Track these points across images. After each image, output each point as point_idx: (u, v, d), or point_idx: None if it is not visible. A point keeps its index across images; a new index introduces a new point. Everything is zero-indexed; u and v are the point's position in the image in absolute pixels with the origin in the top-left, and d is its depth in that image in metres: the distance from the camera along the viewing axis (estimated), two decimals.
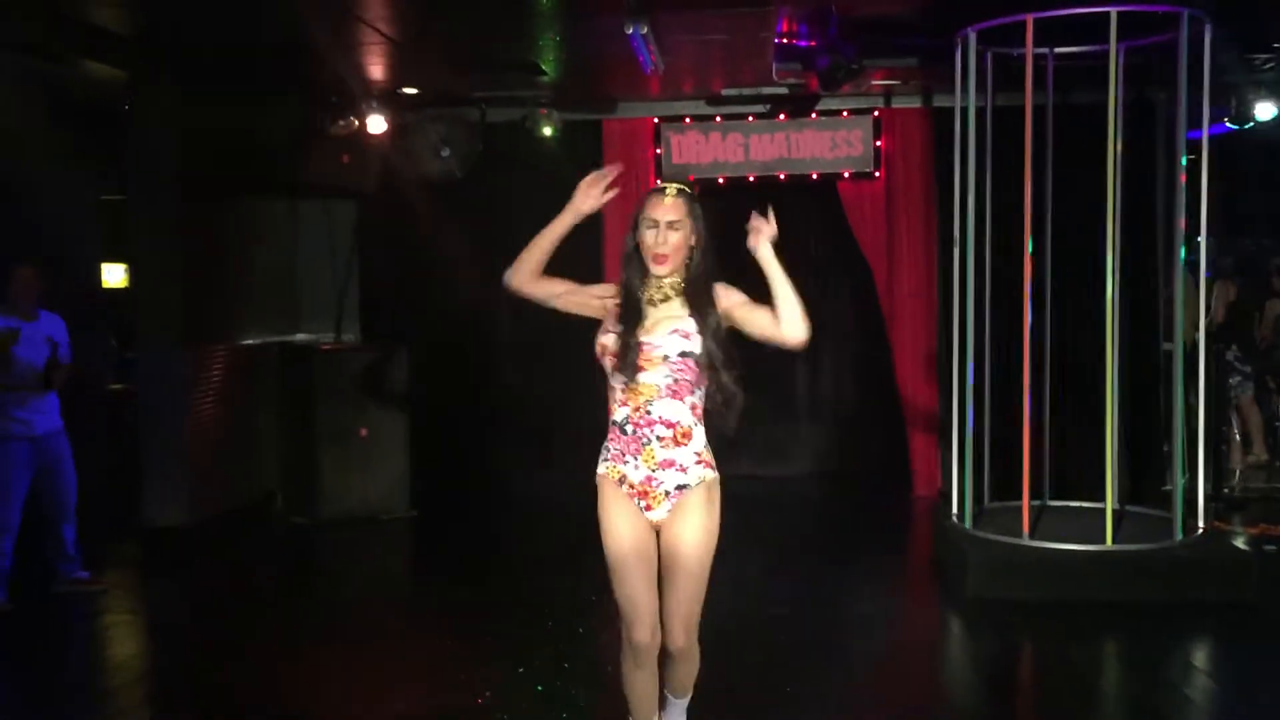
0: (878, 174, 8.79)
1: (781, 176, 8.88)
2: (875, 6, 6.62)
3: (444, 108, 8.62)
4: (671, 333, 3.48)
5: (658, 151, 8.87)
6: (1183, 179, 6.29)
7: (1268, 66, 7.82)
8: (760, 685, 4.73)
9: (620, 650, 3.60)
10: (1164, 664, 5.19)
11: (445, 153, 8.59)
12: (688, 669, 3.69)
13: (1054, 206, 7.30)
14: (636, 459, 3.51)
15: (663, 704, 3.78)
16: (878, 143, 8.76)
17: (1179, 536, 6.23)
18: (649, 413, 3.48)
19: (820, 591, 6.34)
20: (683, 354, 3.47)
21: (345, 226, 9.28)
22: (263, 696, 4.81)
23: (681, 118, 8.91)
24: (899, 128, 8.80)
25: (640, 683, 3.62)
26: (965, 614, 5.91)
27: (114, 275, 9.81)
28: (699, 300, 3.54)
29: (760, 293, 3.57)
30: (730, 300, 3.59)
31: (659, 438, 3.49)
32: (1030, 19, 6.12)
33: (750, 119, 8.86)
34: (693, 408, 3.52)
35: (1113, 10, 5.98)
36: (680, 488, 3.52)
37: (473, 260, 9.09)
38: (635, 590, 3.50)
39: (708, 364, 3.49)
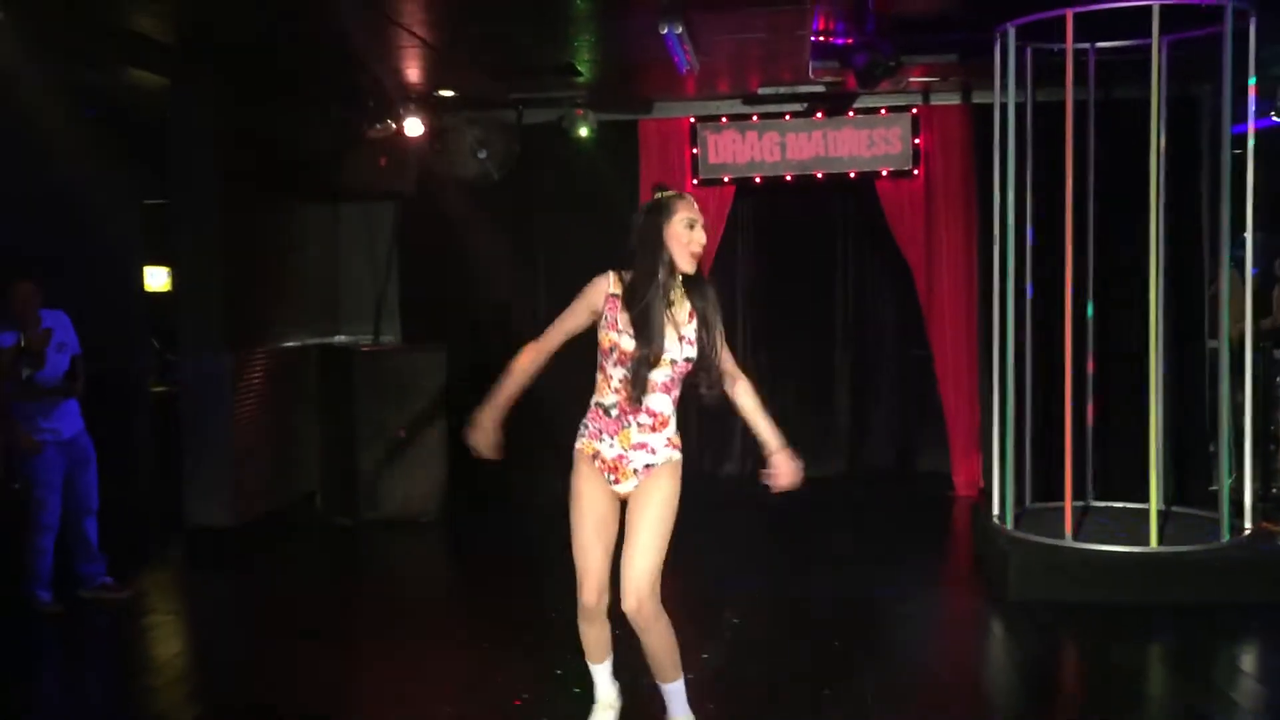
0: (916, 172, 8.72)
1: (819, 175, 8.83)
2: (913, 3, 6.56)
3: (481, 110, 8.65)
4: (680, 340, 3.77)
5: (694, 151, 8.85)
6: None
7: None
8: (800, 688, 4.70)
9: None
10: (1210, 667, 5.11)
11: (482, 154, 8.62)
12: (656, 643, 3.79)
13: (1096, 203, 7.21)
14: (613, 439, 3.80)
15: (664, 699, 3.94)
16: (916, 140, 8.69)
17: (1225, 537, 6.14)
18: (639, 403, 3.76)
19: (861, 593, 6.30)
20: (686, 359, 3.79)
21: (384, 229, 9.33)
22: (304, 696, 4.85)
23: (718, 117, 8.88)
24: (938, 125, 8.73)
25: (591, 635, 3.95)
26: (1007, 615, 5.84)
27: (157, 279, 9.94)
28: (703, 301, 3.83)
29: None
30: (717, 305, 3.86)
31: (640, 424, 3.79)
32: (1071, 14, 6.03)
33: (787, 117, 8.82)
34: (675, 400, 3.84)
35: (1155, 4, 5.89)
36: (648, 466, 3.81)
37: (511, 261, 9.15)
38: (589, 557, 3.80)
39: (702, 362, 3.80)
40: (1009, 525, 6.49)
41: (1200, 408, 8.44)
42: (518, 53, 7.32)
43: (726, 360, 3.88)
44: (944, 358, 8.75)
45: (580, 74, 7.83)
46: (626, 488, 3.83)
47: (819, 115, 8.77)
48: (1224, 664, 5.19)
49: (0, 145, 7.18)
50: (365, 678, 5.11)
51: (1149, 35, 5.97)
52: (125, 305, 8.65)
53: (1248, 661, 5.30)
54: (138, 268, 9.03)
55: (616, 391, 3.76)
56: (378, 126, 7.89)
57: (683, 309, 3.80)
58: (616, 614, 3.82)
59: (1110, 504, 7.14)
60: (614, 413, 3.78)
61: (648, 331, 3.68)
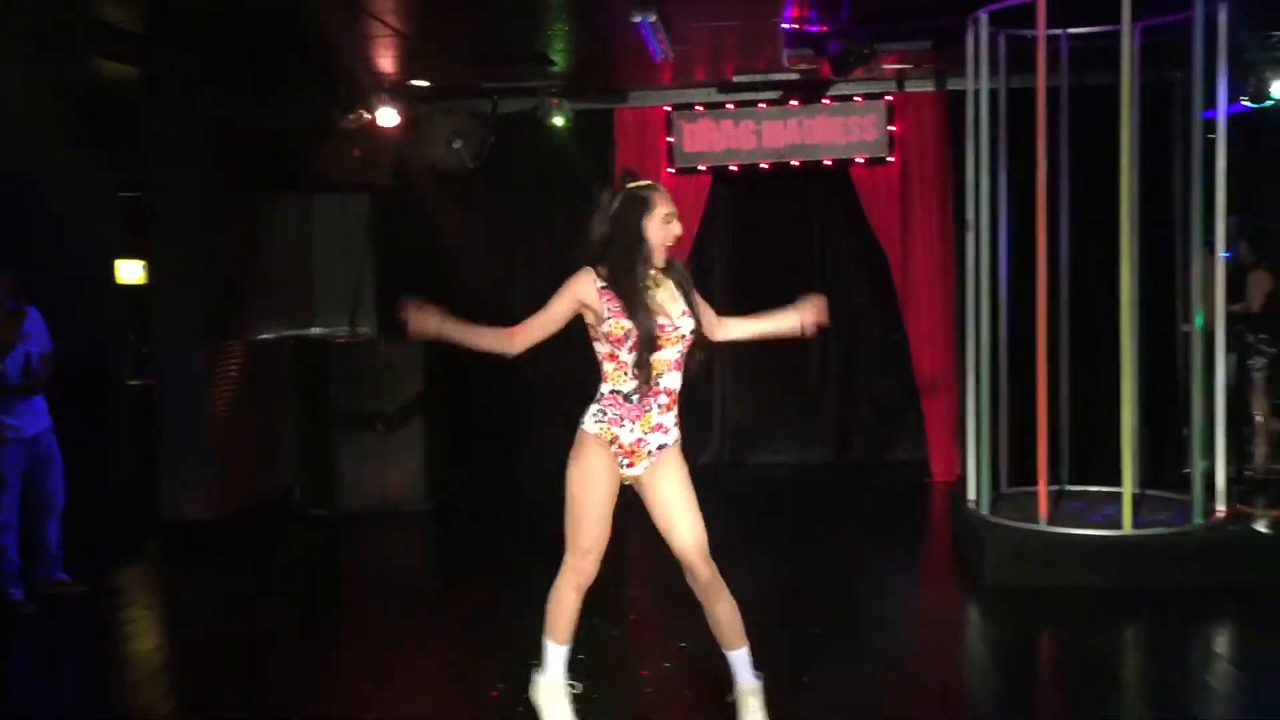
0: (892, 159, 8.74)
1: (795, 163, 8.84)
2: None
3: (455, 100, 8.62)
4: (683, 314, 3.88)
5: (670, 140, 8.84)
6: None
7: None
8: (778, 673, 4.72)
9: (560, 576, 3.97)
10: (1184, 650, 5.15)
11: (457, 144, 8.60)
12: (724, 607, 3.90)
13: (1070, 189, 7.24)
14: (634, 424, 3.88)
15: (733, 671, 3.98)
16: (891, 127, 8.71)
17: (1199, 520, 6.19)
18: (658, 383, 3.86)
19: (838, 578, 6.33)
20: (692, 331, 3.90)
21: (359, 220, 9.28)
22: (282, 688, 4.85)
23: (693, 105, 8.87)
24: (913, 112, 8.75)
25: (573, 606, 3.97)
26: (983, 600, 5.88)
27: (132, 272, 9.87)
28: (684, 282, 3.94)
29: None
30: (686, 274, 3.98)
31: (660, 405, 3.89)
32: (1042, 0, 6.06)
33: (762, 105, 8.82)
34: (683, 375, 3.94)
35: None
36: (661, 447, 3.93)
37: (487, 251, 9.12)
38: (597, 530, 3.90)
39: (696, 336, 3.91)
40: (985, 510, 6.53)
41: (1174, 391, 8.50)
42: (491, 42, 7.29)
43: (710, 315, 4.04)
44: (920, 344, 8.79)
45: (555, 63, 7.81)
46: (638, 470, 3.92)
47: (794, 103, 8.78)
48: (1198, 647, 5.24)
49: None
50: (343, 669, 5.10)
51: (1120, 21, 5.98)
52: (100, 299, 8.58)
53: (1221, 644, 5.35)
54: (113, 261, 8.95)
55: (634, 376, 3.84)
56: (351, 117, 7.86)
57: (667, 288, 3.91)
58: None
59: (1086, 488, 7.19)
60: (635, 398, 3.87)
61: (650, 315, 3.81)
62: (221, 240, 7.81)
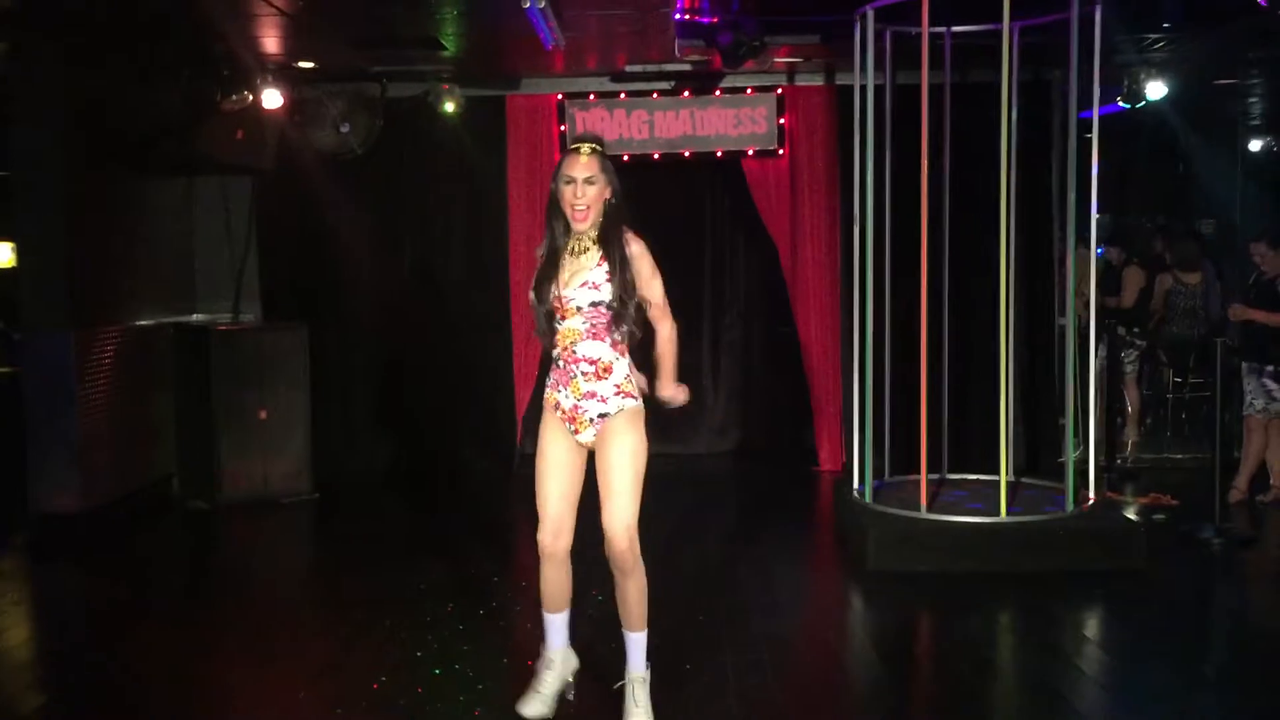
0: (782, 151, 8.82)
1: (686, 154, 8.87)
2: None
3: (343, 82, 8.46)
4: (581, 286, 3.88)
5: (562, 128, 8.80)
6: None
7: (1158, 46, 8.00)
8: (661, 661, 4.73)
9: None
10: (1056, 635, 5.30)
11: (345, 128, 8.45)
12: (633, 587, 3.96)
13: (952, 184, 7.39)
14: (566, 389, 3.98)
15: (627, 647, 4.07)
16: (781, 120, 8.79)
17: (1071, 507, 6.38)
18: (574, 352, 3.93)
19: (724, 567, 6.38)
20: (593, 304, 3.88)
21: (242, 204, 9.04)
22: (156, 683, 4.71)
23: (586, 94, 8.84)
24: (802, 105, 8.84)
25: (551, 579, 4.04)
26: (866, 587, 5.98)
27: (1, 255, 9.48)
28: (610, 247, 3.91)
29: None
30: (634, 251, 3.95)
31: (583, 373, 3.94)
32: None
33: (655, 96, 8.83)
34: (613, 344, 3.95)
35: None
36: (602, 415, 3.95)
37: (375, 237, 8.98)
38: (547, 497, 3.98)
39: (619, 305, 3.87)
40: (868, 499, 6.64)
41: (1052, 383, 8.75)
42: (379, 23, 7.15)
43: (655, 304, 4.00)
44: (808, 335, 8.90)
45: (445, 48, 7.70)
46: (587, 437, 3.98)
47: (686, 94, 8.80)
48: (1070, 632, 5.39)
49: None
50: (218, 664, 4.97)
51: (1001, 20, 6.12)
52: None
53: (1092, 628, 5.51)
54: None
55: (556, 343, 3.97)
56: (233, 98, 7.63)
57: (593, 257, 3.92)
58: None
59: (965, 476, 7.36)
60: (560, 363, 3.99)
61: (539, 286, 3.95)
62: (93, 222, 7.52)
